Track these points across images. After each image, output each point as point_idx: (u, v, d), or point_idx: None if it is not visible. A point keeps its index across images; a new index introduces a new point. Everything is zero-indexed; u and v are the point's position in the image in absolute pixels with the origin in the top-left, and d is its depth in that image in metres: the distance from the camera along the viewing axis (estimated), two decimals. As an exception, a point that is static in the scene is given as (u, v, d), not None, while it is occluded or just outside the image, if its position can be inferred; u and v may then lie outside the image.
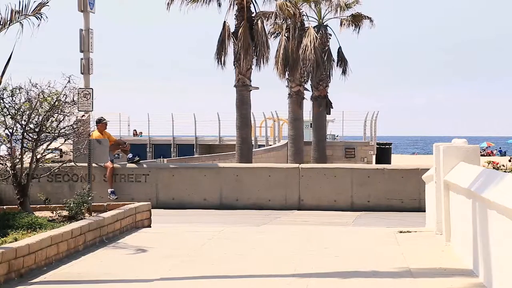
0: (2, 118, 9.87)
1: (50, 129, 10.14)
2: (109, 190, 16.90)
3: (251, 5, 30.73)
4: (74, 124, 10.44)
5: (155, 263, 8.17)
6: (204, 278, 7.40)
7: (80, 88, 11.03)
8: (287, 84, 35.74)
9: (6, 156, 10.14)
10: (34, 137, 10.07)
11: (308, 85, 37.14)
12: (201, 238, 10.03)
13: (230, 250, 9.13)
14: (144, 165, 17.83)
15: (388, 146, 44.62)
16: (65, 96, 10.15)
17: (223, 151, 38.58)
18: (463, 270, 7.57)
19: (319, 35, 35.40)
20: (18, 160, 10.00)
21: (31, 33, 10.00)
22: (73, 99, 10.35)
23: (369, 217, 15.32)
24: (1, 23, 9.89)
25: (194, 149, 44.00)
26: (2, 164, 10.09)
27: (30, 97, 9.91)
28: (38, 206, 10.92)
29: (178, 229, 11.50)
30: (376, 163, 38.38)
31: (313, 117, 38.24)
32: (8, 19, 9.94)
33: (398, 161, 51.33)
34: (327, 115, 38.49)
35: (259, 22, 30.52)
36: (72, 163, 11.67)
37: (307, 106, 38.33)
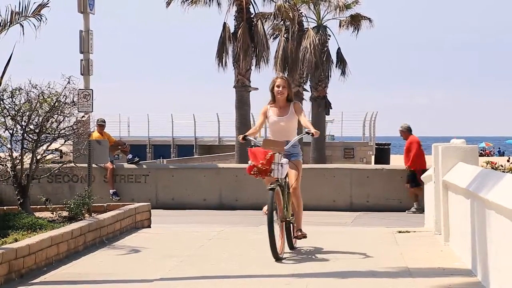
0: (2, 119, 9.89)
1: (50, 130, 10.16)
2: (111, 191, 16.93)
3: (251, 6, 30.75)
4: (74, 125, 10.47)
5: (155, 264, 8.20)
6: (204, 278, 7.42)
7: (80, 89, 11.06)
8: (286, 85, 35.69)
9: (6, 157, 10.16)
10: (34, 138, 10.09)
11: (307, 86, 37.13)
12: (201, 239, 10.06)
13: (230, 250, 9.16)
14: (144, 166, 17.86)
15: (387, 147, 44.58)
16: (65, 97, 10.17)
17: (223, 152, 38.57)
18: (462, 270, 7.60)
19: (318, 36, 35.39)
20: (18, 161, 10.02)
21: (31, 34, 10.04)
22: (73, 100, 10.37)
23: (368, 217, 15.35)
24: (1, 24, 9.91)
25: (194, 150, 43.97)
26: (3, 165, 10.11)
27: (30, 98, 9.94)
28: (38, 206, 10.94)
29: (177, 229, 11.52)
30: (375, 163, 38.35)
31: (312, 118, 38.21)
32: (8, 21, 9.97)
33: (397, 161, 51.26)
34: (326, 116, 38.47)
35: (258, 23, 30.53)
36: (72, 164, 11.69)
37: (306, 107, 38.33)
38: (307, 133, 8.87)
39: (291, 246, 8.98)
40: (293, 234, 8.89)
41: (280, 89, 9.03)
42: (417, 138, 16.78)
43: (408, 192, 16.34)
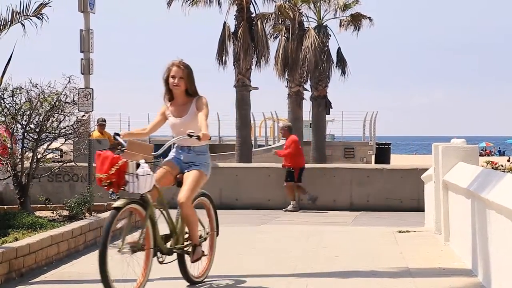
0: (3, 118, 9.91)
1: (51, 129, 10.17)
2: (110, 190, 16.94)
3: (251, 6, 30.77)
4: (74, 124, 10.48)
5: (155, 263, 8.18)
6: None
7: (80, 88, 11.06)
8: (286, 84, 35.77)
9: (6, 156, 10.17)
10: (35, 137, 10.10)
11: (307, 85, 37.15)
12: (201, 238, 10.04)
13: (230, 250, 9.15)
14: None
15: (387, 146, 44.64)
16: (65, 96, 10.19)
17: (223, 151, 38.58)
18: (462, 269, 7.60)
19: (318, 35, 35.42)
20: (18, 160, 10.03)
21: (32, 33, 10.05)
22: (73, 99, 10.39)
23: (368, 217, 15.36)
24: (2, 23, 9.93)
25: (194, 149, 43.95)
26: (3, 164, 10.12)
27: (30, 97, 9.95)
28: (39, 206, 10.95)
29: (178, 229, 11.51)
30: (375, 163, 38.38)
31: (312, 117, 38.24)
32: (9, 20, 9.99)
33: (397, 161, 51.35)
34: (326, 115, 38.51)
35: (258, 22, 30.56)
36: (73, 163, 11.70)
37: (307, 106, 38.37)
38: (189, 135, 6.60)
39: (191, 280, 7.09)
40: (191, 257, 6.98)
41: (176, 80, 6.88)
42: (296, 138, 17.23)
43: (285, 189, 16.63)
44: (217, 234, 7.57)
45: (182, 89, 6.91)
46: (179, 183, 7.05)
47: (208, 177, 7.03)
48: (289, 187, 16.53)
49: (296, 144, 16.87)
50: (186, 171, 7.01)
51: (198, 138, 6.58)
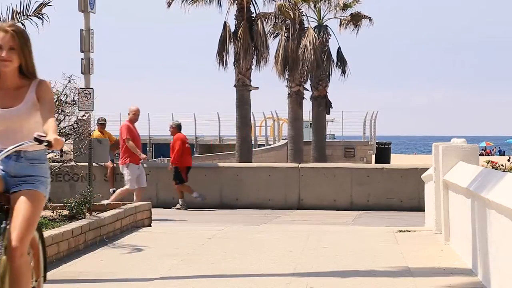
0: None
1: (51, 128, 10.15)
2: (111, 190, 16.95)
3: (251, 6, 30.77)
4: (74, 124, 10.48)
5: (155, 262, 8.20)
6: (204, 277, 7.43)
7: (80, 88, 11.06)
8: (286, 84, 35.78)
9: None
10: (35, 136, 10.11)
11: (307, 85, 37.18)
12: (201, 238, 10.07)
13: (230, 249, 9.16)
14: (144, 165, 17.87)
15: (387, 146, 44.71)
16: (65, 96, 10.19)
17: (223, 151, 38.61)
18: (462, 269, 7.60)
19: (318, 35, 35.43)
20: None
21: (33, 33, 10.05)
22: (73, 99, 10.39)
23: (368, 217, 15.37)
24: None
25: (194, 149, 44.01)
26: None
27: (30, 97, 9.94)
28: (39, 205, 10.94)
29: (178, 228, 11.54)
30: (376, 162, 38.40)
31: (312, 117, 38.27)
32: (9, 19, 9.99)
33: (398, 160, 51.38)
34: (326, 115, 38.54)
35: (259, 22, 30.56)
36: (73, 163, 11.70)
37: (307, 106, 38.40)
38: (38, 140, 4.41)
39: None
40: None
41: (4, 53, 4.64)
42: (183, 136, 17.37)
43: (176, 189, 16.81)
44: (44, 280, 5.11)
45: (14, 66, 4.71)
46: (3, 208, 4.61)
47: (47, 198, 4.77)
48: (177, 186, 16.67)
49: (182, 142, 16.96)
50: (15, 190, 4.66)
51: (49, 144, 4.44)
